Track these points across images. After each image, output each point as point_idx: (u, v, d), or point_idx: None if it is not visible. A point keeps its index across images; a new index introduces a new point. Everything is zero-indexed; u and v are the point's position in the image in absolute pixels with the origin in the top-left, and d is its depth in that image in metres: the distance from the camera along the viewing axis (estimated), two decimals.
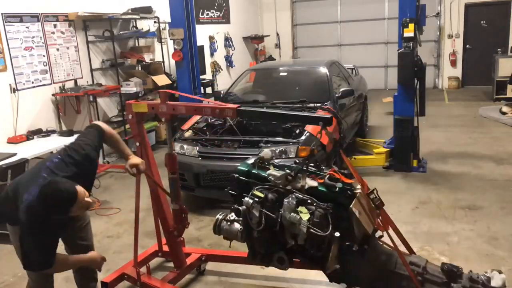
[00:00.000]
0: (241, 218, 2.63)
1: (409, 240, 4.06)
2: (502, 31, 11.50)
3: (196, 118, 5.44)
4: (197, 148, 4.91)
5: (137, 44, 7.96)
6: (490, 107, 9.18)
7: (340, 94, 5.84)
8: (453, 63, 12.17)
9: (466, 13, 11.85)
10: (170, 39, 7.15)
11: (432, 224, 4.38)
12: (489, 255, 3.72)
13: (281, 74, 6.76)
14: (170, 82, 7.87)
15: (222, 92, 6.79)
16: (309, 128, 4.83)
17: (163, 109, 3.08)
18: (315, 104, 5.54)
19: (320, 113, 5.23)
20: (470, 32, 11.94)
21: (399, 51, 5.56)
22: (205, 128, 5.32)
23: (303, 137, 4.72)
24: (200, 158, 4.85)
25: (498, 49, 10.70)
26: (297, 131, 4.92)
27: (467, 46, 12.04)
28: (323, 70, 6.30)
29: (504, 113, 8.38)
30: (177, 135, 5.33)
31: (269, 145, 4.68)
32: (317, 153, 4.66)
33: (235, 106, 2.94)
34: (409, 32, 5.45)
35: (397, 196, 5.12)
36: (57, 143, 5.40)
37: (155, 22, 8.06)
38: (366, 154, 6.52)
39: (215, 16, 11.16)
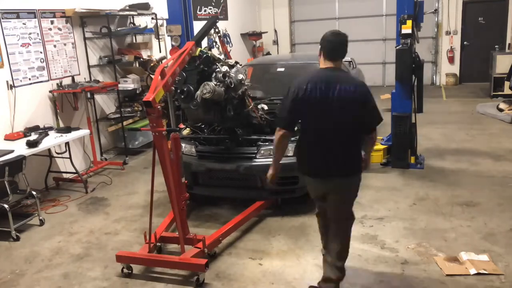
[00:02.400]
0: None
1: (407, 236, 4.12)
2: (499, 28, 11.50)
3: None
4: (195, 147, 4.91)
5: (134, 41, 7.93)
6: (488, 103, 9.19)
7: None
8: (451, 60, 12.17)
9: (464, 10, 11.84)
10: (168, 36, 7.12)
11: (429, 221, 4.40)
12: (486, 251, 3.73)
13: (278, 69, 6.73)
14: None
15: None
16: None
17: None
18: None
19: None
20: (468, 29, 11.94)
21: (397, 47, 5.56)
22: (203, 126, 5.31)
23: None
24: (198, 157, 4.85)
25: (496, 46, 10.72)
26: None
27: (464, 42, 12.04)
28: None
29: (501, 110, 8.39)
30: None
31: (267, 143, 4.68)
32: None
33: None
34: (407, 29, 5.45)
35: (394, 192, 5.14)
36: (55, 140, 5.41)
37: (152, 18, 8.03)
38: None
39: (213, 13, 11.12)
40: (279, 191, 4.70)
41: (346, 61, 7.89)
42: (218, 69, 4.28)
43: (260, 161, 4.60)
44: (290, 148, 4.58)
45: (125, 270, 3.76)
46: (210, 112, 4.40)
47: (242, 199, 4.95)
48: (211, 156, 4.81)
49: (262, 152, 4.64)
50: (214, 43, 9.93)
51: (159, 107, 3.47)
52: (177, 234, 3.92)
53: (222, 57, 4.53)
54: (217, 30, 4.80)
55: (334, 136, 2.97)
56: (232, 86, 4.28)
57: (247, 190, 4.86)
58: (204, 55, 4.26)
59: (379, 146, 6.18)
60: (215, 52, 4.26)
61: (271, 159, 4.59)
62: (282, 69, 6.51)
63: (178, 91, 4.16)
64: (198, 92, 4.11)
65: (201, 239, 3.79)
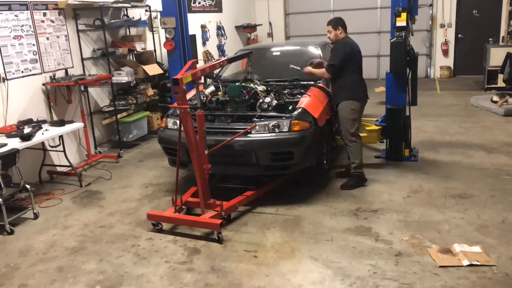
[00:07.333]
0: None
1: (400, 229, 4.14)
2: (493, 20, 11.52)
3: (189, 95, 5.42)
4: None
5: (128, 33, 7.87)
6: (481, 96, 9.23)
7: None
8: (445, 53, 12.20)
9: (458, 3, 11.85)
10: (162, 28, 7.08)
11: (423, 213, 4.43)
12: (478, 243, 3.76)
13: (275, 54, 6.79)
14: (162, 71, 7.81)
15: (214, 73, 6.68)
16: (303, 104, 4.89)
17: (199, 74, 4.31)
18: (308, 82, 5.60)
19: (313, 90, 5.35)
20: (462, 22, 11.96)
21: (392, 40, 5.56)
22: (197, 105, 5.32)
23: (295, 112, 4.74)
24: None
25: (490, 39, 10.74)
26: (290, 107, 4.96)
27: (459, 35, 12.06)
28: (316, 50, 6.34)
29: (495, 102, 8.43)
30: (170, 111, 5.35)
31: (262, 119, 4.70)
32: (309, 127, 4.71)
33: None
34: (401, 22, 5.44)
35: (388, 185, 5.16)
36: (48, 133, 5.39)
37: (146, 10, 7.98)
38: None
39: (207, 5, 11.06)
40: (274, 167, 4.73)
41: None
42: (262, 101, 5.06)
43: (254, 136, 4.62)
44: (286, 124, 4.60)
45: (155, 227, 4.41)
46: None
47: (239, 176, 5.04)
48: (206, 132, 4.80)
49: (257, 128, 4.66)
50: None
51: (184, 87, 3.98)
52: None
53: (260, 88, 5.31)
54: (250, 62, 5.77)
55: None
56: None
57: (243, 167, 4.85)
58: (253, 91, 5.14)
59: (373, 127, 6.18)
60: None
61: (265, 135, 4.69)
62: (278, 53, 6.76)
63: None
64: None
65: (219, 204, 4.30)
